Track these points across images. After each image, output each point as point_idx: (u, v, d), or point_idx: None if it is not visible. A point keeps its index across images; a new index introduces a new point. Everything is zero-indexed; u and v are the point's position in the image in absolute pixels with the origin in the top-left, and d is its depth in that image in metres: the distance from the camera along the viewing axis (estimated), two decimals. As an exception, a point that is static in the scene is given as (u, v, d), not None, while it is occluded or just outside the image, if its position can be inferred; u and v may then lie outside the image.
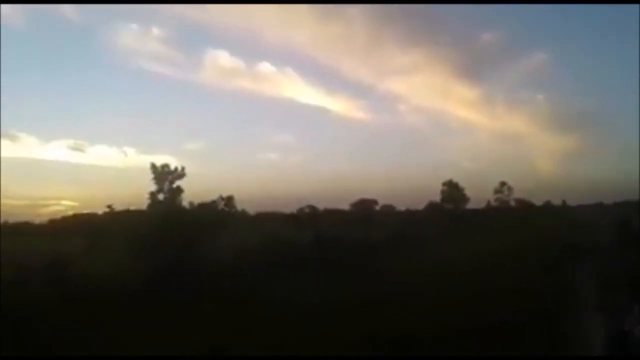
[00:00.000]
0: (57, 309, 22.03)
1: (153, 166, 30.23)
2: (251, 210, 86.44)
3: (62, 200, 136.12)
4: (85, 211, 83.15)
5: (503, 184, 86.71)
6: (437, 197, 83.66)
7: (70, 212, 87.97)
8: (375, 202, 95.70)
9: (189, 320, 19.85)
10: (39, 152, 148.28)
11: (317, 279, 28.03)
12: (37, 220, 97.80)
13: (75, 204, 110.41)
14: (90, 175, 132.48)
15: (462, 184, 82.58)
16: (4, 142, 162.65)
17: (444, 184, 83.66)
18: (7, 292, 24.94)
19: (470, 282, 25.53)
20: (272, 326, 18.45)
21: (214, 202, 40.74)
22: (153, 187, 30.28)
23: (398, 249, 42.44)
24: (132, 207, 41.73)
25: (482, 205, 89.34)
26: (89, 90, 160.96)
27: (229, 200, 42.62)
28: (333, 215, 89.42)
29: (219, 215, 40.07)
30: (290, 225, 70.34)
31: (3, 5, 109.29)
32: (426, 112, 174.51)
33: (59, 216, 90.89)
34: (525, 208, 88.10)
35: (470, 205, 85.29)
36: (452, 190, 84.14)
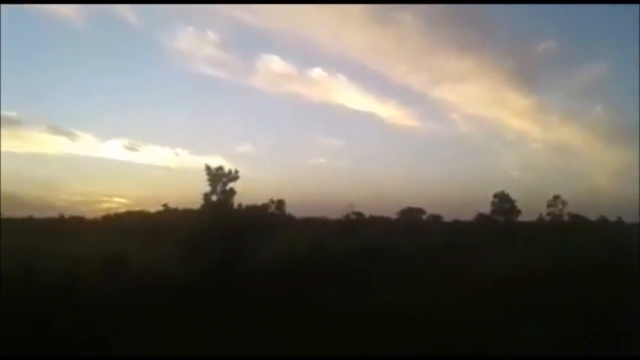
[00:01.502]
0: (111, 303, 22.41)
1: (207, 168, 30.63)
2: (298, 214, 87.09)
3: (115, 198, 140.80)
4: (136, 209, 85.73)
5: (557, 197, 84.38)
6: (487, 209, 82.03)
7: (123, 210, 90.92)
8: (422, 211, 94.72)
9: (237, 320, 19.82)
10: (96, 150, 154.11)
11: (365, 288, 27.68)
12: (91, 216, 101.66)
13: (127, 201, 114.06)
14: (142, 175, 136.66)
15: (513, 196, 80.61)
16: (63, 139, 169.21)
17: (494, 196, 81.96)
18: (61, 285, 25.63)
19: (521, 296, 24.66)
20: (319, 331, 18.16)
21: (265, 205, 41.05)
22: (207, 189, 30.59)
23: (447, 259, 41.57)
24: (183, 207, 42.48)
25: (534, 218, 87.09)
26: (144, 92, 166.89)
27: (280, 203, 42.86)
28: (379, 223, 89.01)
29: (271, 219, 40.32)
30: (337, 232, 70.31)
31: (63, 6, 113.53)
32: (478, 121, 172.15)
33: (111, 213, 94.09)
34: (579, 223, 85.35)
35: (522, 218, 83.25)
36: (503, 202, 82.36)
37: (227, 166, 30.90)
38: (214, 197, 30.10)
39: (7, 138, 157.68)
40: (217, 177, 30.24)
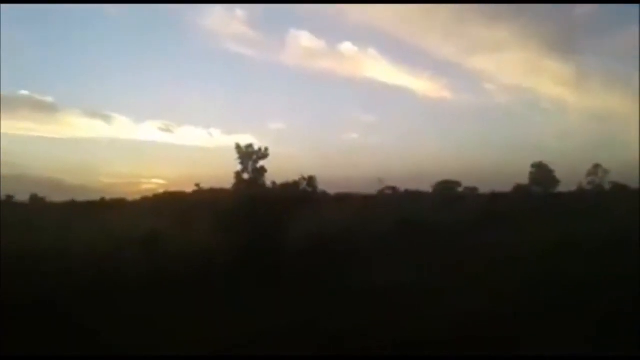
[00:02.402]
0: (147, 280, 22.96)
1: (238, 146, 30.79)
2: (331, 190, 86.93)
3: (153, 179, 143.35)
4: (174, 189, 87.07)
5: (597, 166, 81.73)
6: (525, 180, 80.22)
7: (161, 190, 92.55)
8: (458, 183, 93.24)
9: (273, 296, 19.98)
10: (131, 132, 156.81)
11: (402, 262, 27.51)
12: (130, 198, 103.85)
13: (165, 182, 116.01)
14: (178, 155, 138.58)
15: (552, 166, 78.41)
16: (99, 123, 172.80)
17: (532, 166, 79.98)
18: (101, 264, 26.41)
19: (561, 267, 24.08)
20: (357, 306, 18.17)
21: (296, 182, 40.95)
22: (238, 167, 30.74)
23: (485, 231, 40.94)
24: (218, 186, 42.86)
25: (573, 188, 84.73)
26: (176, 73, 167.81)
27: (311, 180, 42.70)
28: (414, 197, 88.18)
29: (303, 195, 40.27)
30: (371, 207, 70.02)
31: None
32: (514, 90, 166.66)
33: (150, 194, 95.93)
34: (621, 192, 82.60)
35: (561, 189, 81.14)
36: (542, 172, 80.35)
37: (259, 144, 31.04)
38: (245, 175, 30.29)
39: (45, 124, 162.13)
40: (248, 155, 30.39)
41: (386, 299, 19.00)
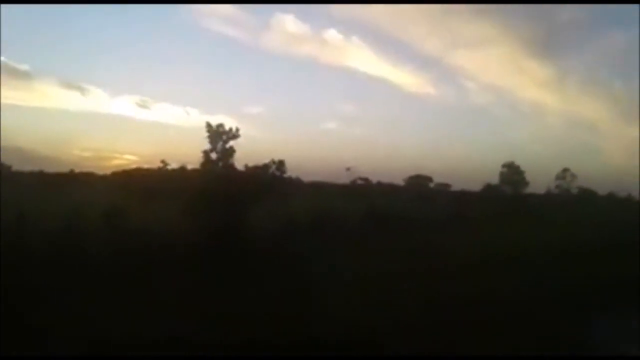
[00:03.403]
0: (105, 256, 22.37)
1: (208, 125, 30.06)
2: (305, 178, 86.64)
3: (126, 155, 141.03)
4: (146, 166, 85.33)
5: (566, 170, 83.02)
6: (495, 179, 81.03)
7: (133, 167, 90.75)
8: (430, 179, 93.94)
9: (236, 280, 19.59)
10: (107, 106, 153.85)
11: (368, 252, 27.35)
12: (101, 172, 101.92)
13: (138, 158, 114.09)
14: (153, 132, 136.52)
15: (523, 167, 79.33)
16: (75, 94, 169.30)
17: (503, 166, 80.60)
18: (64, 238, 25.66)
19: (525, 270, 24.16)
20: (318, 293, 17.88)
21: (265, 165, 40.48)
22: (207, 146, 30.09)
23: (452, 228, 41.15)
24: (190, 166, 42.16)
25: (542, 190, 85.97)
26: (156, 49, 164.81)
27: (280, 164, 42.27)
28: (386, 189, 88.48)
29: (271, 179, 39.89)
30: (343, 196, 69.94)
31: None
32: (493, 90, 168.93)
33: (121, 169, 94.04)
34: (587, 197, 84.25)
35: (530, 190, 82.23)
36: (512, 173, 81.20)
37: (237, 126, 30.33)
38: (213, 155, 29.68)
39: (18, 91, 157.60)
40: (218, 134, 29.72)
41: (348, 286, 18.79)
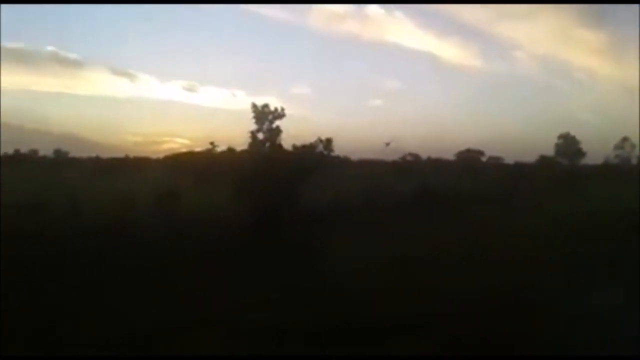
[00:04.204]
0: (159, 239, 22.75)
1: (254, 106, 30.07)
2: (354, 156, 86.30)
3: (177, 138, 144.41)
4: (197, 149, 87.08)
5: (625, 139, 79.41)
6: (550, 151, 78.44)
7: (184, 150, 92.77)
8: (481, 152, 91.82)
9: (286, 260, 19.50)
10: (156, 91, 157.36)
11: (419, 229, 26.82)
12: (154, 156, 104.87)
13: (188, 142, 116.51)
14: (202, 115, 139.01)
15: (579, 137, 76.39)
16: (124, 81, 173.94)
17: (559, 137, 78.07)
18: (119, 221, 26.34)
19: (585, 241, 22.98)
20: (370, 273, 17.55)
21: (312, 144, 40.27)
22: (253, 127, 30.10)
23: (507, 201, 39.94)
24: (238, 147, 42.48)
25: (599, 161, 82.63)
26: (202, 33, 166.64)
27: (328, 143, 42.00)
28: (437, 165, 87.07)
29: (319, 158, 39.62)
30: (393, 173, 69.20)
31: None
32: (544, 59, 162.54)
33: (172, 153, 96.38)
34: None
35: (587, 161, 79.24)
36: (568, 144, 78.45)
37: (285, 106, 30.25)
38: (260, 135, 29.71)
39: (69, 79, 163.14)
40: (264, 114, 29.67)
41: (399, 269, 18.34)
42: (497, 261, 19.20)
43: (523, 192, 47.55)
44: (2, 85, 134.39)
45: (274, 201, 25.97)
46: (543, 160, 79.65)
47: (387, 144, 68.40)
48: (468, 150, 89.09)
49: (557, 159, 78.06)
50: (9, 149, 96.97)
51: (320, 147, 40.14)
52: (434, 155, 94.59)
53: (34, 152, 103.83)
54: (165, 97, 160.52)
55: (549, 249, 21.54)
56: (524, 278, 16.26)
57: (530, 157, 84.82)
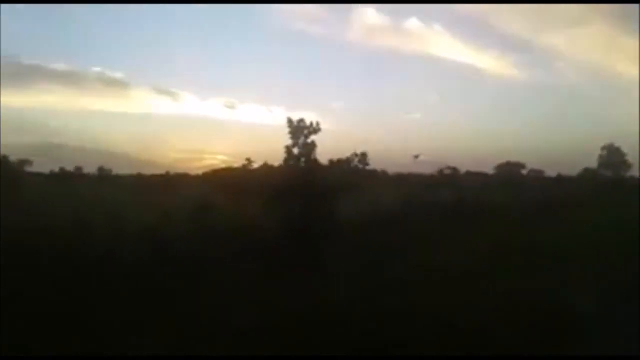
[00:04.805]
0: (195, 256, 22.92)
1: (289, 121, 30.13)
2: (391, 170, 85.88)
3: (218, 155, 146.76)
4: (235, 165, 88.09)
5: (672, 150, 76.26)
6: (594, 163, 76.20)
7: (223, 166, 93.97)
8: (522, 165, 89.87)
9: (325, 274, 19.36)
10: (197, 109, 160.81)
11: (458, 243, 26.32)
12: (193, 173, 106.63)
13: (227, 158, 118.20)
14: (241, 132, 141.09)
15: (624, 149, 73.94)
16: (166, 99, 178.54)
17: (602, 148, 75.77)
18: (157, 236, 26.71)
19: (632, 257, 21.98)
20: (409, 287, 17.24)
21: (348, 158, 40.24)
22: (289, 142, 30.24)
23: (548, 215, 38.87)
24: (275, 163, 42.72)
25: (647, 173, 79.65)
26: (240, 50, 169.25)
27: (363, 157, 41.86)
28: (475, 178, 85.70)
29: (355, 172, 39.57)
30: (429, 187, 68.40)
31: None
32: (588, 68, 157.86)
33: (211, 169, 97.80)
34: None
35: (633, 173, 76.66)
36: (612, 156, 76.04)
37: (321, 122, 30.33)
38: (295, 150, 29.75)
39: (114, 98, 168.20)
40: (299, 129, 29.73)
41: (439, 283, 17.95)
42: (538, 275, 18.64)
43: (565, 205, 46.27)
44: (50, 105, 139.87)
45: (308, 215, 25.90)
46: (586, 173, 77.49)
47: (417, 157, 67.72)
48: (508, 164, 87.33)
49: (600, 171, 75.77)
50: (55, 167, 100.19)
51: (356, 162, 40.09)
52: (473, 169, 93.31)
53: (79, 169, 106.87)
54: (206, 114, 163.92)
55: (592, 264, 20.74)
56: (567, 293, 15.70)
57: (572, 170, 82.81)
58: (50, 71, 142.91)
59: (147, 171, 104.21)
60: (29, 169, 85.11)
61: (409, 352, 11.21)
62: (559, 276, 18.28)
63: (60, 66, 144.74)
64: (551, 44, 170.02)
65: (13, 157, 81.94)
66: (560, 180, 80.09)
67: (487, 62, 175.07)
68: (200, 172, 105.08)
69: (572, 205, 46.56)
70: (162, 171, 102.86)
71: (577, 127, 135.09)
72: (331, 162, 37.38)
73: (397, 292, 16.63)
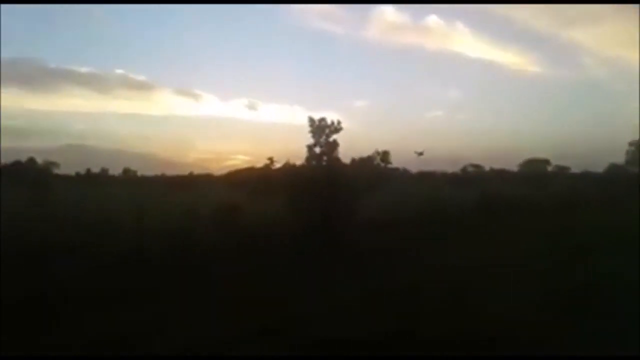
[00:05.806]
0: (218, 255, 23.20)
1: (310, 120, 30.24)
2: (413, 168, 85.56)
3: (239, 155, 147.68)
4: (258, 165, 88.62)
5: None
6: (621, 159, 74.75)
7: (245, 166, 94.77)
8: (547, 162, 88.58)
9: (346, 274, 19.37)
10: (219, 110, 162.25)
11: (482, 241, 26.12)
12: (217, 173, 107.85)
13: (250, 158, 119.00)
14: (263, 132, 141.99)
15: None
16: (189, 100, 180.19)
17: (630, 144, 74.24)
18: (181, 235, 27.10)
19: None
20: (434, 287, 17.14)
21: (370, 157, 40.10)
22: (310, 141, 30.36)
23: (573, 212, 38.27)
24: (297, 162, 42.90)
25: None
26: (261, 51, 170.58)
27: (385, 155, 41.66)
28: (499, 175, 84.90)
29: (376, 171, 39.45)
30: (454, 184, 67.97)
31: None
32: (613, 64, 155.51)
33: (234, 169, 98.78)
34: None
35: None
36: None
37: (343, 121, 30.42)
38: (317, 149, 29.85)
39: (137, 101, 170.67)
40: (320, 128, 29.81)
41: (460, 281, 17.82)
42: (564, 271, 18.43)
43: (591, 201, 45.53)
44: (75, 108, 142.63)
45: (331, 214, 26.00)
46: (613, 168, 76.08)
47: (420, 154, 66.62)
48: (532, 160, 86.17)
49: (627, 167, 74.29)
50: (81, 169, 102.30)
51: (377, 160, 39.95)
52: (496, 166, 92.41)
53: (105, 171, 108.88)
54: (228, 114, 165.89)
55: (618, 259, 20.39)
56: (595, 289, 15.51)
57: (598, 167, 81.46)
58: (75, 75, 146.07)
59: (171, 171, 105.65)
60: (55, 170, 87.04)
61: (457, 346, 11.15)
62: (588, 273, 18.06)
63: (84, 69, 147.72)
64: (575, 39, 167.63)
65: (40, 160, 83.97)
66: (586, 177, 78.82)
67: (509, 58, 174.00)
68: (223, 172, 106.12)
69: (599, 202, 45.75)
70: (185, 172, 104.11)
71: (602, 123, 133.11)
72: (353, 160, 37.29)
73: (425, 287, 16.60)
